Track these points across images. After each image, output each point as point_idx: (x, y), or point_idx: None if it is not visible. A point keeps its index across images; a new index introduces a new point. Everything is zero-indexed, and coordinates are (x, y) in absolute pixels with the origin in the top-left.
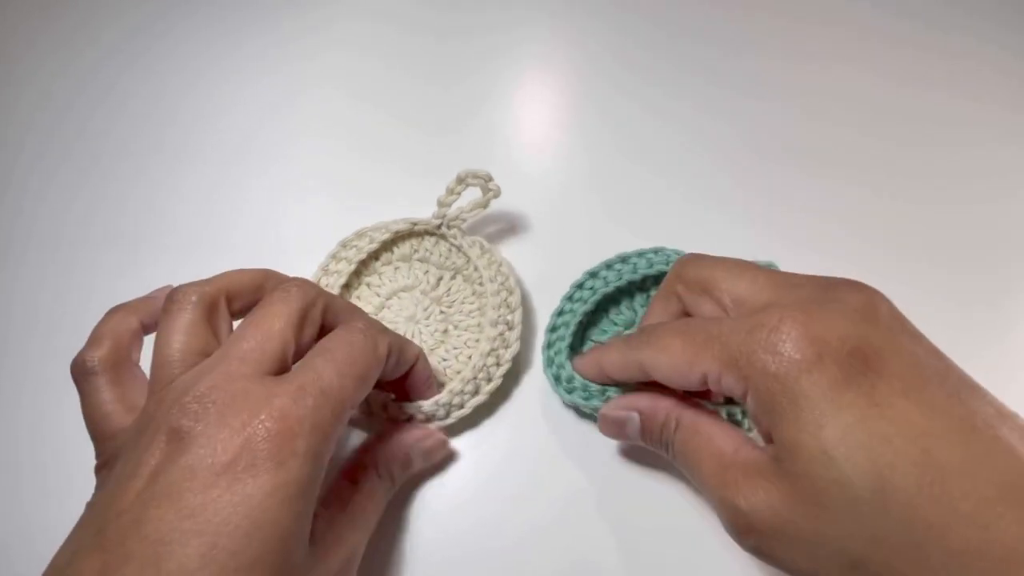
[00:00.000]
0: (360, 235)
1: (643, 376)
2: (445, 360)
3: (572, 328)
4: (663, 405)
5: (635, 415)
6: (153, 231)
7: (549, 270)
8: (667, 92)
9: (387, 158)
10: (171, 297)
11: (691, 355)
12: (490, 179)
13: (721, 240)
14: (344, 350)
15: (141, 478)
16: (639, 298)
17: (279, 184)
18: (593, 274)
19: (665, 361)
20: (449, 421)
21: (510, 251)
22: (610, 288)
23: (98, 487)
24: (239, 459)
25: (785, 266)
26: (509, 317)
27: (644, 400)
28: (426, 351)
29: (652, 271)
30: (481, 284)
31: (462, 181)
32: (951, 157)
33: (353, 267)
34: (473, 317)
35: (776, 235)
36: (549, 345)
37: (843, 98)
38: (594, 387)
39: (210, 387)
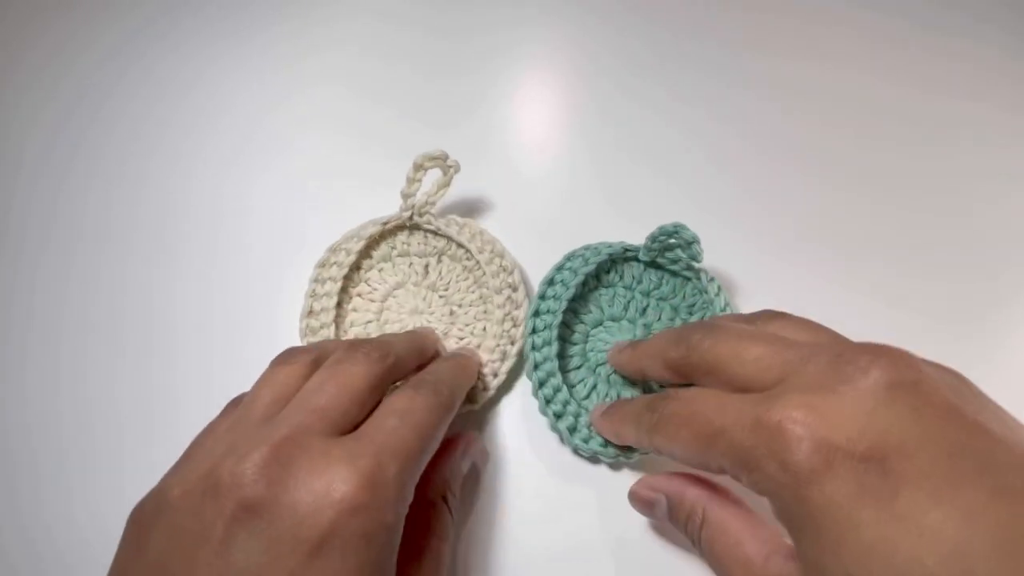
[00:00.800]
0: (334, 250)
1: (656, 453)
2: (462, 339)
3: (555, 331)
4: (690, 495)
5: (663, 499)
6: (154, 230)
7: (545, 253)
8: (667, 90)
9: (389, 154)
10: (282, 353)
11: (702, 449)
12: (446, 157)
13: (721, 239)
14: (411, 408)
15: (210, 545)
16: (617, 273)
17: (282, 182)
18: (550, 281)
19: (678, 452)
20: (489, 393)
21: (513, 247)
22: (580, 277)
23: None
24: (329, 537)
25: (787, 265)
26: (510, 279)
27: (672, 484)
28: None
29: (619, 251)
30: (469, 259)
31: (420, 167)
32: (951, 158)
33: (339, 284)
34: (473, 292)
35: (776, 234)
36: (536, 366)
37: (844, 98)
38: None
39: (284, 438)
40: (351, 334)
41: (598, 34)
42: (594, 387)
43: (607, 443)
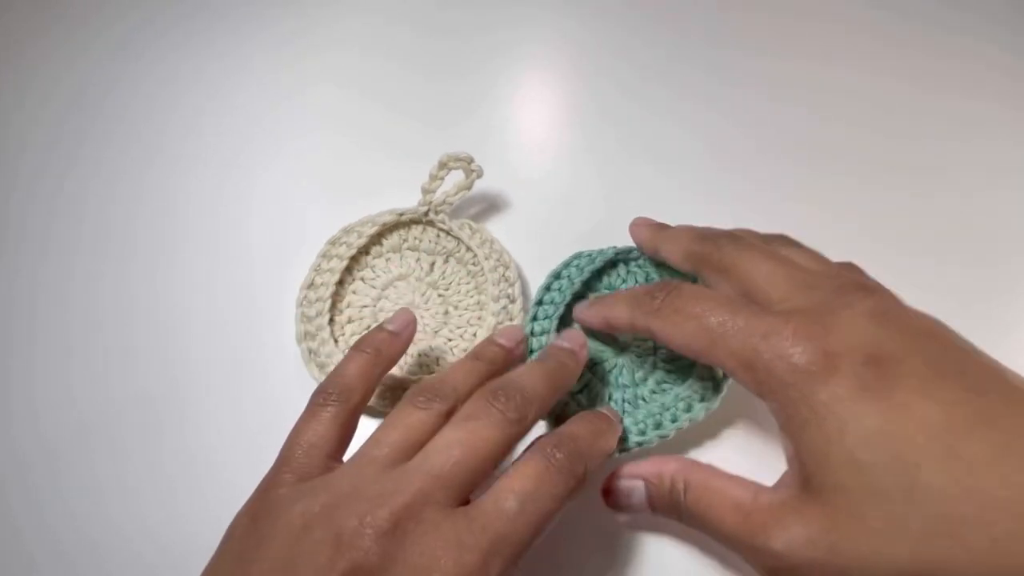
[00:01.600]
0: (348, 231)
1: (649, 336)
2: (451, 340)
3: (552, 336)
4: (669, 468)
5: (640, 483)
6: (155, 230)
7: (546, 257)
8: (668, 90)
9: (390, 154)
10: (422, 388)
11: (705, 343)
12: (471, 160)
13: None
14: (537, 493)
15: None
16: (612, 276)
17: (282, 181)
18: (556, 275)
19: (677, 339)
20: None
21: (512, 247)
22: (576, 285)
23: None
24: None
25: None
26: (509, 291)
27: (647, 466)
28: (429, 334)
29: (614, 256)
30: (475, 264)
31: (444, 166)
32: (954, 154)
33: (345, 263)
34: (472, 296)
35: (776, 230)
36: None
37: (846, 96)
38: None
39: (403, 506)
40: (346, 315)
41: (598, 34)
42: (587, 384)
43: None
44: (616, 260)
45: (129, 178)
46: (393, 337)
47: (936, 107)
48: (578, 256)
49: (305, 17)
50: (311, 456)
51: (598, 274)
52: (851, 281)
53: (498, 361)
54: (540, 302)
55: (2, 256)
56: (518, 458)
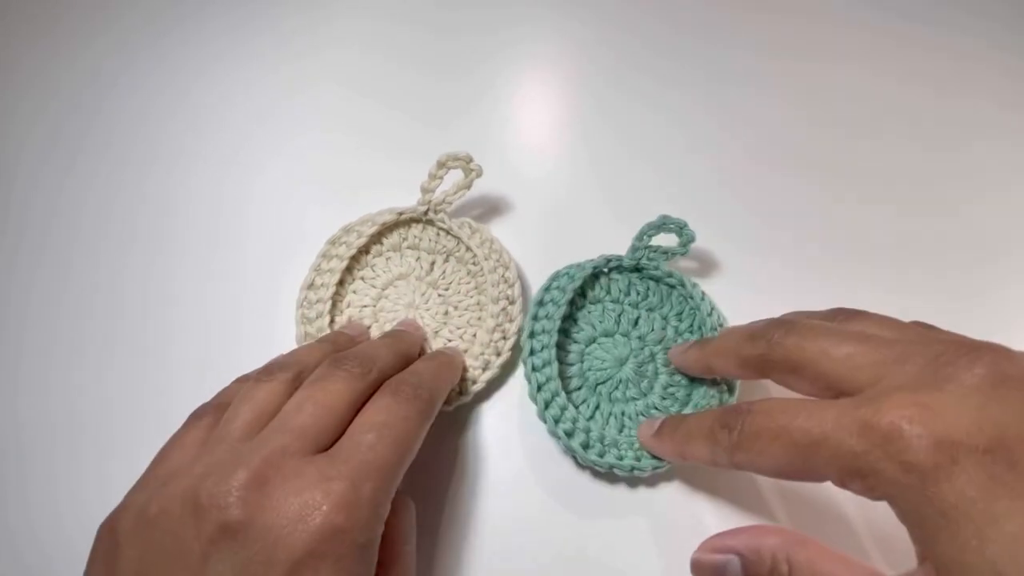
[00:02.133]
0: (347, 230)
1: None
2: (450, 341)
3: (553, 350)
4: (769, 543)
5: (734, 559)
6: (154, 229)
7: (545, 254)
8: (668, 90)
9: (390, 153)
10: (263, 368)
11: (798, 463)
12: (470, 160)
13: (718, 238)
14: (389, 420)
15: (187, 565)
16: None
17: (282, 180)
18: (540, 302)
19: (769, 466)
20: (467, 398)
21: (513, 248)
22: (569, 294)
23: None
24: (303, 561)
25: (788, 264)
26: (509, 292)
27: (742, 540)
28: (429, 334)
29: (602, 263)
30: (475, 263)
31: (443, 165)
32: (952, 157)
33: (345, 263)
34: (471, 296)
35: (776, 232)
36: (539, 387)
37: (847, 98)
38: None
39: (262, 461)
40: (347, 315)
41: (598, 33)
42: (597, 407)
43: (622, 456)
44: (596, 273)
45: (129, 176)
46: (351, 341)
47: (937, 106)
48: (556, 277)
49: (305, 16)
50: (170, 459)
51: (580, 288)
52: (950, 344)
53: (340, 342)
54: (532, 333)
55: (0, 252)
56: (367, 401)
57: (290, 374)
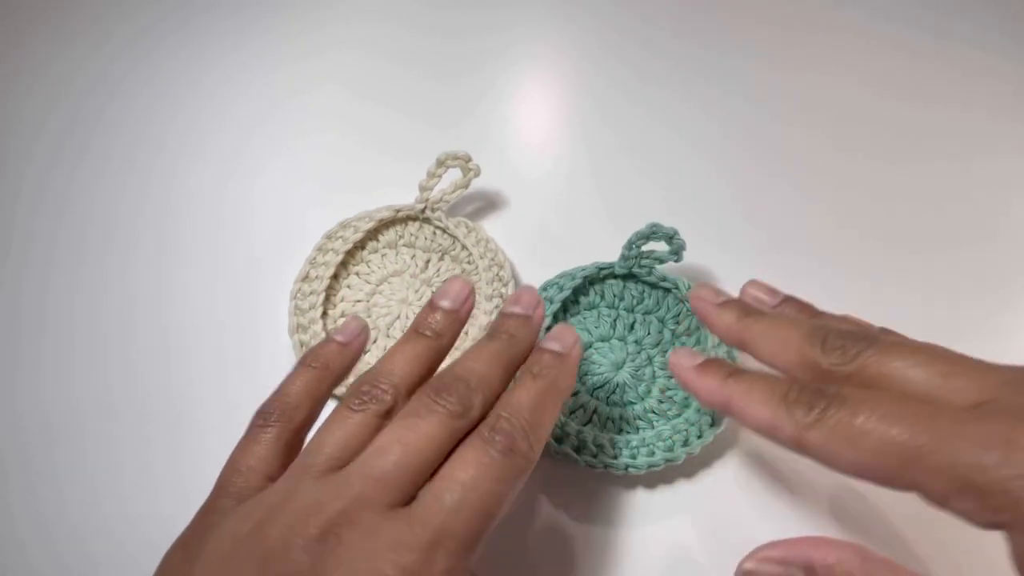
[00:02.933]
0: (344, 226)
1: (800, 452)
2: None
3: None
4: (832, 556)
5: (797, 572)
6: (157, 229)
7: (542, 255)
8: (668, 92)
9: (390, 153)
10: (357, 389)
11: (894, 463)
12: (469, 159)
13: (717, 238)
14: (478, 479)
15: None
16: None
17: (283, 181)
18: (544, 288)
19: (849, 459)
20: None
21: (509, 248)
22: (556, 305)
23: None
24: None
25: (788, 267)
26: (503, 290)
27: (805, 551)
28: None
29: (594, 271)
30: (470, 262)
31: (442, 164)
32: (950, 165)
33: (340, 257)
34: None
35: (773, 235)
36: None
37: (845, 107)
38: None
39: (338, 512)
40: (339, 309)
41: (598, 35)
42: (594, 411)
43: (616, 456)
44: (589, 280)
45: (132, 176)
46: (342, 348)
47: (932, 115)
48: (545, 287)
49: (306, 17)
50: (249, 479)
51: (574, 294)
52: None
53: (439, 329)
54: None
55: (7, 252)
56: (458, 445)
57: (383, 407)
